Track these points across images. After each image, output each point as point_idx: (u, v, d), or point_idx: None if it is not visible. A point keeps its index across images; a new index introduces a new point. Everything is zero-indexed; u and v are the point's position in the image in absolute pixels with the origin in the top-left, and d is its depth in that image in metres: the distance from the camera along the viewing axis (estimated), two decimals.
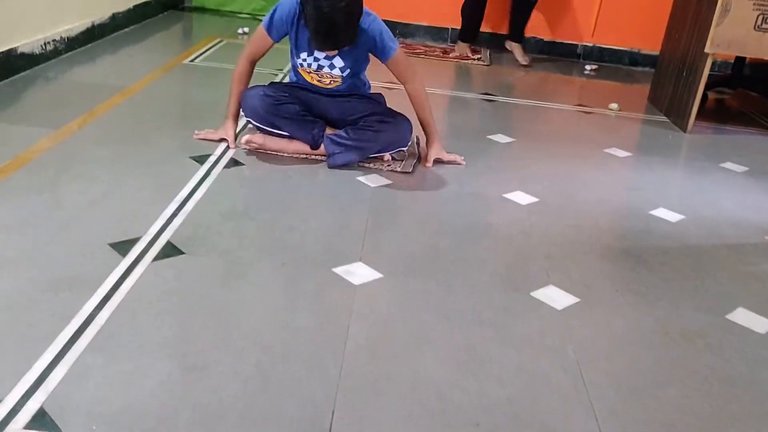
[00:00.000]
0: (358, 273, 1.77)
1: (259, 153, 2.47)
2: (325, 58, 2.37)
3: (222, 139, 2.52)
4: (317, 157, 2.46)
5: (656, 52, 3.89)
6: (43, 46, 3.25)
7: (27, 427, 1.19)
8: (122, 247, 1.76)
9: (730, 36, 3.10)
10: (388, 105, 2.57)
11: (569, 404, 1.39)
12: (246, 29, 4.42)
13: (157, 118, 2.75)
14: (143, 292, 1.60)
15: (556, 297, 1.77)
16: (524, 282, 1.83)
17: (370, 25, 2.32)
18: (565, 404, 1.39)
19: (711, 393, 1.47)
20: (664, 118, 3.55)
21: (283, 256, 1.83)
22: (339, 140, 2.40)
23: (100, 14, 3.83)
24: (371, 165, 2.45)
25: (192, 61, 3.67)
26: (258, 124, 2.44)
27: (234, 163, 2.39)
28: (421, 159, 2.56)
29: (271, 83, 2.58)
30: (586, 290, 1.81)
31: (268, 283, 1.71)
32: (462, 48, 4.52)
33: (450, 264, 1.88)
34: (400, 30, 4.80)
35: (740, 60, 3.95)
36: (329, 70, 2.41)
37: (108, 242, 1.78)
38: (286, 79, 2.78)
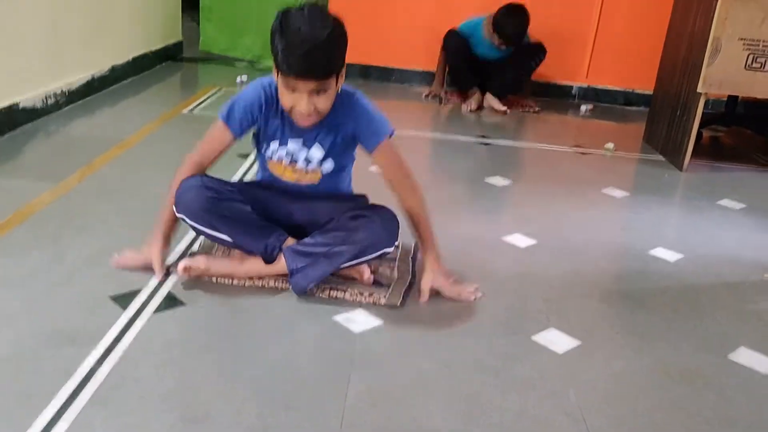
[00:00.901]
0: (358, 320, 1.78)
1: (202, 283, 1.90)
2: (303, 144, 1.88)
3: (146, 266, 1.92)
4: (276, 282, 1.90)
5: (650, 92, 3.94)
6: (44, 100, 3.29)
7: None
8: (123, 300, 1.77)
9: (722, 75, 3.15)
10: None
11: None
12: (245, 77, 4.46)
13: (155, 170, 2.77)
14: (145, 344, 1.61)
15: (556, 340, 1.77)
16: (524, 326, 1.83)
17: (355, 97, 1.87)
18: None
19: None
20: (659, 157, 3.58)
21: (283, 304, 1.83)
22: (303, 249, 1.86)
23: (100, 67, 3.90)
24: (345, 291, 1.88)
25: (191, 111, 3.71)
26: (193, 224, 1.87)
27: None
28: (415, 280, 1.98)
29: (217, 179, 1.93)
30: (586, 333, 1.82)
31: (269, 332, 1.71)
32: (474, 99, 4.30)
33: (449, 309, 1.89)
34: (396, 76, 4.87)
35: (733, 98, 4.00)
36: (304, 165, 1.90)
37: (109, 295, 1.79)
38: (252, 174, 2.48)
